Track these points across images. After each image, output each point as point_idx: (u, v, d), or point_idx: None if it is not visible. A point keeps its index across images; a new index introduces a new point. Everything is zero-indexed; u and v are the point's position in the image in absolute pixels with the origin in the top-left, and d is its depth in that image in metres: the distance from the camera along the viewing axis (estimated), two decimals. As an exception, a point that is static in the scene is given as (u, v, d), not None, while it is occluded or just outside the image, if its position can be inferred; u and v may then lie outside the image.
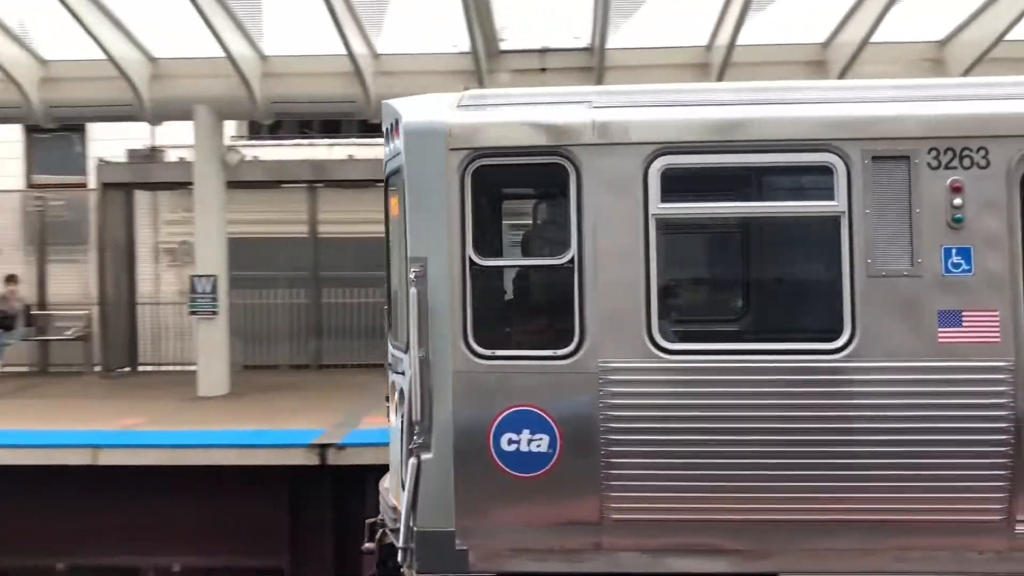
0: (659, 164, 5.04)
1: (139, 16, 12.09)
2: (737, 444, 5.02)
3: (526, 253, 5.46)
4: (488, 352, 5.09)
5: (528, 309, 5.60)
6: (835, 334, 5.00)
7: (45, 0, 11.16)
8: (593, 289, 5.05)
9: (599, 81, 11.76)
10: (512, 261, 5.35)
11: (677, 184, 5.09)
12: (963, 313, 4.99)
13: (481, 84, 11.92)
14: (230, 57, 11.90)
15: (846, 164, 5.00)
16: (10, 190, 18.28)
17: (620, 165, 5.05)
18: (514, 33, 12.22)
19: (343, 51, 11.61)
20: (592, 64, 11.88)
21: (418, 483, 5.13)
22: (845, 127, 5.03)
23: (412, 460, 5.13)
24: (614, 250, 5.04)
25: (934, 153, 4.99)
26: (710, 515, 5.06)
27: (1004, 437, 4.96)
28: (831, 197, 5.01)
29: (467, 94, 5.35)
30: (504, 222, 5.65)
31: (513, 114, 5.20)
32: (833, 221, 5.02)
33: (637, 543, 5.11)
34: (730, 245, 5.95)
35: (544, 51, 12.28)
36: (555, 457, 5.07)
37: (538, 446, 5.07)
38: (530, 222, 5.72)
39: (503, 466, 5.09)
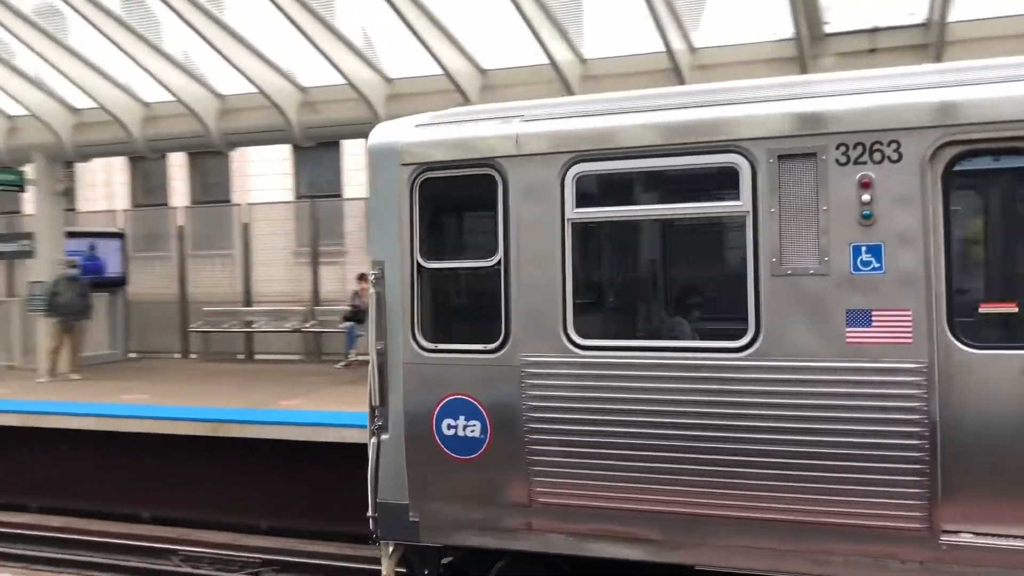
0: (574, 172, 5.37)
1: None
2: (648, 438, 5.22)
3: (463, 258, 5.97)
4: (431, 345, 5.71)
5: (464, 307, 6.13)
6: (741, 333, 5.05)
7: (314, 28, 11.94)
8: (517, 289, 5.49)
9: (938, 59, 10.70)
10: (449, 264, 5.88)
11: (592, 190, 5.39)
12: (873, 312, 4.83)
13: (804, 70, 10.95)
14: (553, 63, 11.58)
15: (751, 164, 5.02)
16: (285, 201, 21.37)
17: (539, 174, 5.44)
18: (840, 14, 11.22)
19: (661, 48, 11.12)
20: (929, 40, 10.78)
21: (379, 460, 5.87)
22: (749, 127, 5.05)
23: (372, 440, 5.88)
24: (535, 254, 5.45)
25: (843, 149, 4.87)
26: (627, 504, 5.31)
27: (918, 442, 4.74)
28: (737, 197, 5.06)
29: (426, 115, 6.00)
30: (447, 229, 6.18)
31: (456, 131, 5.76)
32: (739, 221, 5.07)
33: (562, 526, 5.48)
34: (645, 247, 6.02)
35: (874, 31, 11.26)
36: (486, 442, 5.57)
37: (472, 431, 5.60)
38: (470, 230, 6.21)
39: (444, 448, 5.68)
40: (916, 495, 4.77)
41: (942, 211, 4.75)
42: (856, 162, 4.85)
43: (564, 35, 11.69)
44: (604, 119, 5.40)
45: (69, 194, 19.99)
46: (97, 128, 15.07)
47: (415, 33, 11.50)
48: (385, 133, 6.00)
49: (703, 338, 5.30)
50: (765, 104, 5.10)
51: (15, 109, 15.58)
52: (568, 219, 5.38)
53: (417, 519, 5.81)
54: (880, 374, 4.79)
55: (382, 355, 5.83)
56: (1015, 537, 4.68)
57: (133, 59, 13.14)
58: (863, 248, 4.84)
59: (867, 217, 4.82)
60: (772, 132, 5.00)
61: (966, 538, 4.76)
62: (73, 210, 22.50)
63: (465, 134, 5.69)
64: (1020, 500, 4.67)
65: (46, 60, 13.77)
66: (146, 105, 14.69)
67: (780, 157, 4.98)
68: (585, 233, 5.47)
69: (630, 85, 11.61)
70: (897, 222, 4.78)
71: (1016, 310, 4.76)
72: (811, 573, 5.04)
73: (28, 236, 16.67)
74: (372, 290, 5.84)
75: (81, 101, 14.93)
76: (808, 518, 4.99)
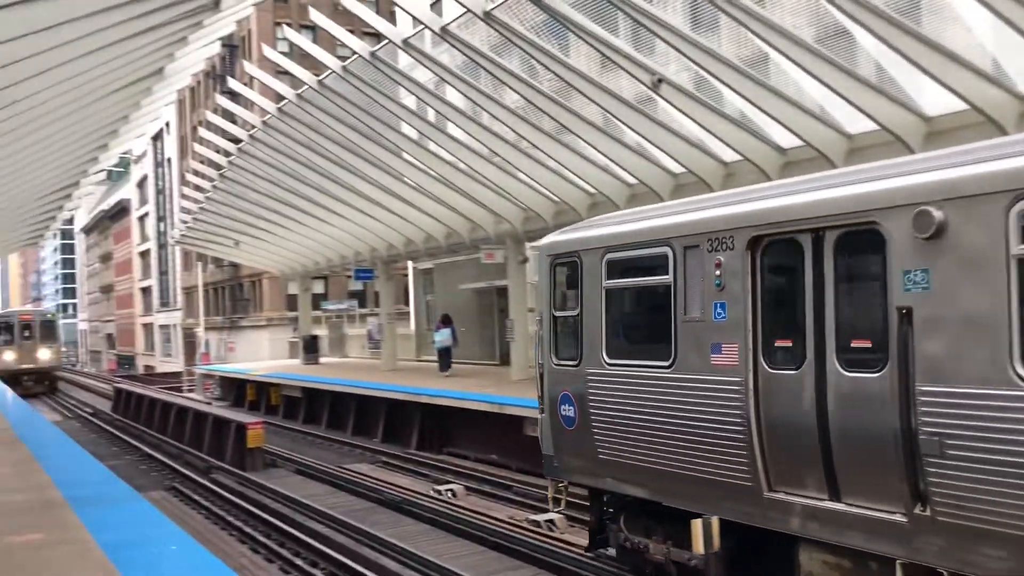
0: (607, 258, 9.00)
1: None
2: (632, 415, 8.60)
3: (567, 310, 9.79)
4: (557, 361, 9.75)
5: (567, 339, 9.82)
6: (669, 358, 8.21)
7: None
8: (585, 329, 9.27)
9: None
10: (562, 313, 9.77)
11: (614, 269, 8.96)
12: (722, 345, 7.64)
13: None
14: None
15: (673, 252, 8.15)
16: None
17: (593, 260, 9.18)
18: None
19: None
20: None
21: (541, 428, 10.09)
22: (672, 231, 8.19)
23: (539, 415, 10.13)
24: (591, 308, 9.18)
25: (710, 243, 7.76)
26: (633, 460, 8.72)
27: (742, 430, 7.43)
28: (667, 273, 8.24)
29: (567, 227, 10.06)
30: (567, 293, 9.98)
31: (568, 235, 9.74)
32: (668, 288, 8.23)
33: (611, 472, 9.07)
34: (632, 304, 9.04)
35: None
36: (576, 419, 9.43)
37: (569, 412, 9.51)
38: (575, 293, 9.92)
39: (562, 423, 9.67)
40: (746, 464, 7.45)
41: (750, 281, 7.41)
42: (715, 250, 7.73)
43: None
44: (619, 227, 9.00)
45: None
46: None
47: None
48: (546, 238, 10.23)
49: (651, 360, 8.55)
50: (678, 215, 8.24)
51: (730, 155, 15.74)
52: (604, 287, 9.03)
53: (558, 464, 9.86)
54: (725, 385, 7.59)
55: (541, 367, 10.04)
56: (808, 496, 7.09)
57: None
58: (717, 304, 7.70)
59: (718, 285, 7.66)
60: (681, 232, 8.10)
61: (781, 496, 7.29)
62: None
63: (570, 237, 9.68)
64: (807, 471, 7.07)
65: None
66: (849, 137, 13.97)
67: (685, 248, 8.05)
68: (611, 295, 9.05)
69: None
70: (732, 288, 7.55)
71: (791, 344, 7.17)
72: (698, 509, 7.95)
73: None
74: (534, 328, 10.12)
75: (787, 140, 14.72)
76: (696, 473, 7.91)
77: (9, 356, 45.96)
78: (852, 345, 6.84)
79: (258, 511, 15.21)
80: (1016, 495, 5.68)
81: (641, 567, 9.20)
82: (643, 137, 16.52)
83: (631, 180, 18.04)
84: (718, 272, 7.69)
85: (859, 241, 6.76)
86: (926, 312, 6.20)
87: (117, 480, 12.01)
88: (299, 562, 12.20)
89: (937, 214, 6.09)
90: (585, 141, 17.61)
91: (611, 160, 17.74)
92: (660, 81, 14.71)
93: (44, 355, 47.24)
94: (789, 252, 7.23)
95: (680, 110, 15.29)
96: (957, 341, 6.05)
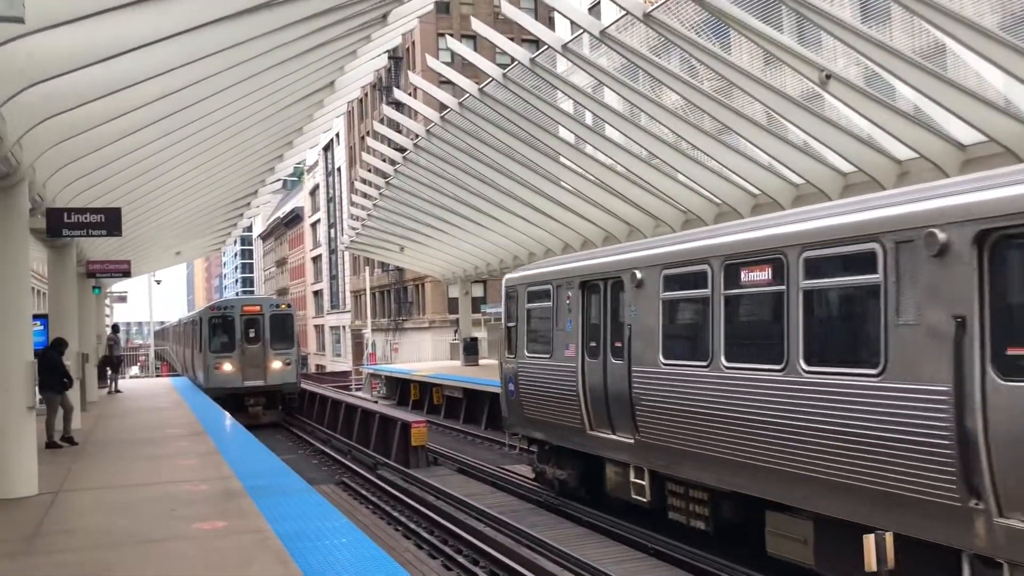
0: (528, 290, 15.38)
1: None
2: (540, 388, 14.77)
3: (513, 321, 15.81)
4: (507, 356, 15.77)
5: (512, 341, 15.87)
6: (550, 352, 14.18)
7: None
8: (518, 334, 15.41)
9: None
10: (510, 324, 15.85)
11: (531, 297, 15.31)
12: (569, 344, 13.37)
13: None
14: None
15: (553, 288, 14.31)
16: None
17: (521, 290, 15.68)
18: None
19: None
20: None
21: (501, 399, 16.10)
22: (551, 276, 14.51)
23: (500, 391, 14.80)
24: (521, 321, 15.51)
25: (563, 284, 13.80)
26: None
27: (575, 394, 13.32)
28: (549, 300, 14.43)
29: (518, 268, 13.73)
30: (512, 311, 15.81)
31: (513, 275, 15.88)
32: (550, 309, 14.40)
33: (532, 427, 15.19)
34: (540, 319, 15.18)
35: None
36: (515, 393, 15.56)
37: (512, 388, 15.72)
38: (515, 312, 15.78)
39: (508, 395, 15.98)
40: (579, 415, 13.23)
41: (580, 307, 13.34)
42: (567, 288, 13.86)
43: None
44: (532, 271, 15.62)
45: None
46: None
47: None
48: (505, 276, 16.22)
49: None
50: (557, 267, 14.68)
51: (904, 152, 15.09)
52: (526, 308, 14.98)
53: (509, 422, 15.91)
54: (569, 368, 13.48)
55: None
56: (605, 432, 12.72)
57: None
58: (569, 321, 13.46)
59: (568, 309, 13.63)
60: (557, 277, 14.31)
61: (596, 433, 12.92)
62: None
63: (513, 275, 15.19)
64: (602, 417, 12.76)
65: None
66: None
67: (558, 286, 14.10)
68: (530, 313, 15.26)
69: None
70: (572, 311, 13.61)
71: (595, 345, 12.98)
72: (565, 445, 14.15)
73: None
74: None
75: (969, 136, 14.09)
76: (564, 423, 13.91)
77: (228, 367, 30.47)
78: (615, 345, 12.61)
79: (422, 508, 15.68)
80: (672, 425, 11.12)
81: (544, 483, 15.66)
82: (809, 135, 15.97)
83: (797, 180, 17.48)
84: (568, 301, 13.67)
85: (615, 287, 12.70)
86: (635, 328, 11.99)
87: (292, 473, 12.68)
88: (461, 559, 12.48)
89: (639, 275, 11.87)
90: (748, 141, 17.20)
91: (775, 160, 17.25)
92: (829, 77, 14.18)
93: (276, 366, 30.91)
94: (594, 290, 13.33)
95: (849, 106, 14.70)
96: (644, 343, 11.80)
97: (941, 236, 7.34)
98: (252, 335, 30.85)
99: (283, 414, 31.84)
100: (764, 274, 9.59)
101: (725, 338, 10.11)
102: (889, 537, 7.51)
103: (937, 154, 14.31)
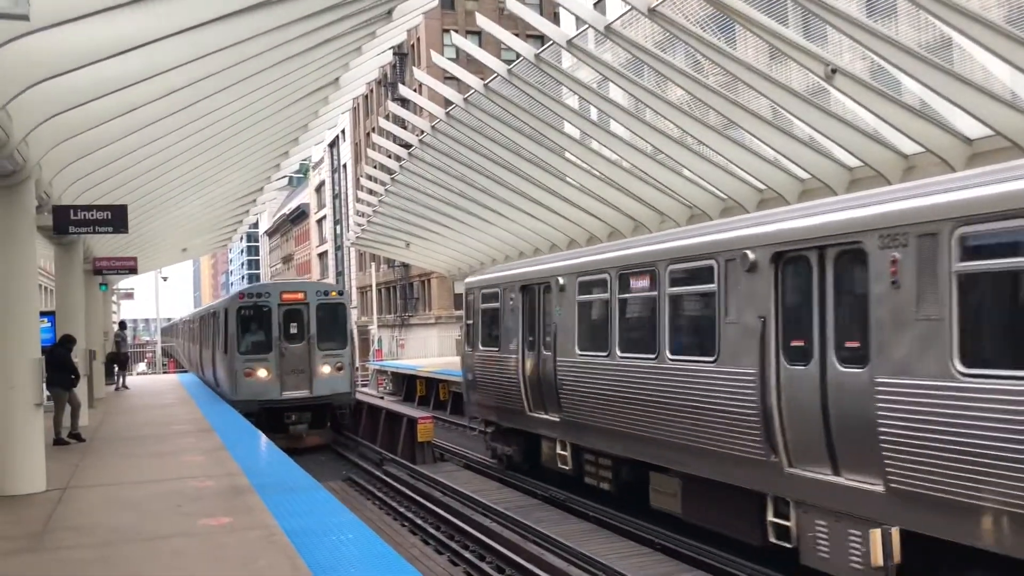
0: (481, 292, 17.85)
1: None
2: (487, 376, 17.85)
3: (470, 319, 18.30)
4: (467, 349, 23.43)
5: (471, 336, 18.27)
6: (498, 346, 16.84)
7: None
8: (473, 330, 18.08)
9: None
10: (468, 322, 18.43)
11: (484, 299, 17.75)
12: (512, 340, 16.05)
13: None
14: None
15: (500, 291, 16.80)
16: None
17: (476, 293, 18.27)
18: None
19: None
20: None
21: (463, 386, 18.12)
22: (497, 280, 17.30)
23: (461, 380, 18.31)
24: (475, 320, 18.14)
25: (506, 288, 16.45)
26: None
27: (517, 383, 15.89)
28: (497, 302, 16.74)
29: (476, 272, 14.32)
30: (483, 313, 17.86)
31: (471, 278, 17.83)
32: (497, 311, 17.03)
33: (484, 411, 18.30)
34: (491, 318, 17.67)
35: None
36: (472, 382, 18.46)
37: (470, 377, 18.62)
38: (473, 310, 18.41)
39: (467, 383, 19.30)
40: (520, 399, 15.84)
41: (521, 309, 15.86)
42: (511, 292, 16.33)
43: None
44: (484, 276, 18.15)
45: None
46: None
47: None
48: (466, 279, 18.99)
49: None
50: (501, 273, 17.79)
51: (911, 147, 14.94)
52: (480, 308, 17.37)
53: (468, 406, 18.73)
54: (511, 360, 16.17)
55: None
56: (541, 412, 15.20)
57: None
58: (511, 320, 16.18)
59: (512, 311, 16.05)
60: (503, 282, 16.97)
61: (535, 415, 15.46)
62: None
63: (471, 279, 17.65)
64: (535, 399, 15.45)
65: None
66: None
67: (504, 290, 16.74)
68: (484, 313, 17.79)
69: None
70: (514, 313, 16.16)
71: (532, 339, 15.56)
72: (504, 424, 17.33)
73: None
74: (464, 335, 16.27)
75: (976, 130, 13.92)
76: (503, 406, 16.98)
77: (263, 374, 22.99)
78: (546, 339, 14.88)
79: (428, 503, 15.70)
80: (585, 405, 13.59)
81: (496, 459, 18.38)
82: (815, 130, 15.93)
83: (803, 175, 17.44)
84: (511, 303, 16.18)
85: (546, 290, 15.05)
86: (560, 325, 14.36)
87: (298, 469, 12.70)
88: (467, 555, 12.50)
89: (562, 281, 14.34)
90: (753, 136, 17.16)
91: (781, 154, 17.21)
92: (834, 71, 14.13)
93: (325, 371, 23.44)
94: (531, 293, 15.74)
95: (855, 100, 14.65)
96: (566, 338, 14.15)
97: (751, 256, 9.73)
98: (294, 331, 23.33)
99: (333, 434, 24.62)
100: (644, 282, 12.21)
101: (619, 333, 12.74)
102: (895, 532, 7.49)
103: (944, 148, 14.27)
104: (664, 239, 12.48)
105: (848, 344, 8.58)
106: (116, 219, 14.21)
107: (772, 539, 9.66)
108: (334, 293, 24.82)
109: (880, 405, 7.96)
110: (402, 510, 15.81)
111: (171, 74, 11.21)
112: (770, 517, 9.64)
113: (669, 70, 17.19)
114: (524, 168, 24.18)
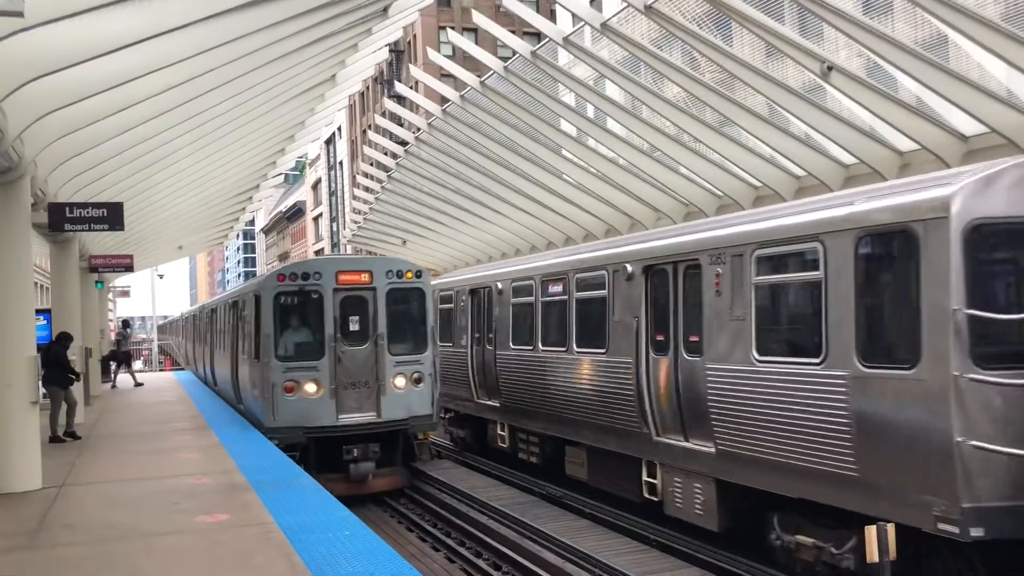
0: (440, 294, 19.31)
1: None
2: (451, 369, 19.90)
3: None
4: (440, 345, 16.99)
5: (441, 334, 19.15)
6: (458, 344, 19.33)
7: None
8: (441, 328, 19.18)
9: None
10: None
11: (443, 300, 20.16)
12: (464, 335, 18.86)
13: None
14: None
15: (455, 295, 19.54)
16: None
17: (439, 295, 18.05)
18: None
19: None
20: None
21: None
22: (456, 284, 20.00)
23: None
24: (443, 319, 19.91)
25: (460, 292, 19.34)
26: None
27: (466, 372, 18.81)
28: (451, 303, 19.40)
29: (443, 275, 14.76)
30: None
31: (437, 280, 19.75)
32: (451, 311, 19.92)
33: (450, 400, 20.26)
34: (448, 318, 20.27)
35: None
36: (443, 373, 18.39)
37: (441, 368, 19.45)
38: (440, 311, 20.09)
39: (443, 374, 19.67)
40: (469, 388, 18.73)
41: (469, 310, 18.84)
42: (464, 295, 19.16)
43: None
44: (448, 279, 20.89)
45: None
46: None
47: None
48: (432, 281, 18.73)
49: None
50: (460, 277, 20.51)
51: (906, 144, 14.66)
52: (439, 308, 18.53)
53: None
54: (463, 354, 19.10)
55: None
56: (488, 397, 18.14)
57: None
58: (463, 319, 18.99)
59: (464, 311, 19.01)
60: (461, 286, 19.64)
61: (482, 401, 18.39)
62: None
63: (437, 281, 20.14)
64: (486, 387, 18.16)
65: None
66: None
67: (457, 293, 19.47)
68: (445, 313, 19.94)
69: None
70: (466, 313, 19.03)
71: (479, 336, 18.50)
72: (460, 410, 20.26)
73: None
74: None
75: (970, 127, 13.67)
76: (463, 397, 19.55)
77: (311, 388, 15.80)
78: (489, 335, 17.65)
79: (425, 500, 15.70)
80: (518, 391, 16.57)
81: (453, 442, 21.16)
82: (811, 127, 15.92)
83: (799, 172, 17.44)
84: (463, 304, 18.83)
85: (488, 293, 17.99)
86: (499, 323, 17.39)
87: (295, 466, 12.70)
88: (464, 551, 12.51)
89: (500, 285, 17.46)
90: (749, 133, 17.14)
91: (777, 152, 17.20)
92: (830, 68, 14.14)
93: (399, 384, 16.28)
94: (477, 296, 18.76)
95: (851, 98, 14.64)
96: (504, 334, 17.16)
97: (630, 268, 12.69)
98: (355, 327, 16.41)
99: (408, 475, 17.01)
100: (559, 287, 15.14)
101: (541, 329, 15.74)
102: (891, 528, 7.51)
103: (939, 145, 14.25)
104: (573, 252, 15.97)
105: (691, 338, 11.28)
106: (112, 216, 14.19)
107: (645, 495, 12.36)
108: (410, 275, 16.91)
109: (709, 385, 10.72)
110: (399, 507, 15.81)
111: (167, 71, 11.20)
112: (644, 477, 12.38)
113: (666, 67, 17.16)
114: (521, 165, 24.14)
